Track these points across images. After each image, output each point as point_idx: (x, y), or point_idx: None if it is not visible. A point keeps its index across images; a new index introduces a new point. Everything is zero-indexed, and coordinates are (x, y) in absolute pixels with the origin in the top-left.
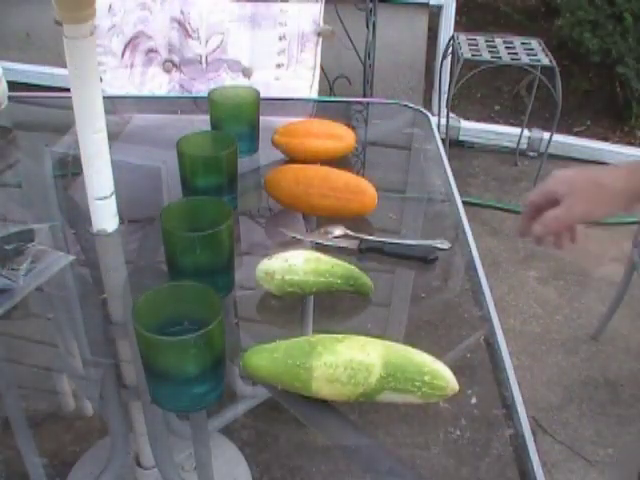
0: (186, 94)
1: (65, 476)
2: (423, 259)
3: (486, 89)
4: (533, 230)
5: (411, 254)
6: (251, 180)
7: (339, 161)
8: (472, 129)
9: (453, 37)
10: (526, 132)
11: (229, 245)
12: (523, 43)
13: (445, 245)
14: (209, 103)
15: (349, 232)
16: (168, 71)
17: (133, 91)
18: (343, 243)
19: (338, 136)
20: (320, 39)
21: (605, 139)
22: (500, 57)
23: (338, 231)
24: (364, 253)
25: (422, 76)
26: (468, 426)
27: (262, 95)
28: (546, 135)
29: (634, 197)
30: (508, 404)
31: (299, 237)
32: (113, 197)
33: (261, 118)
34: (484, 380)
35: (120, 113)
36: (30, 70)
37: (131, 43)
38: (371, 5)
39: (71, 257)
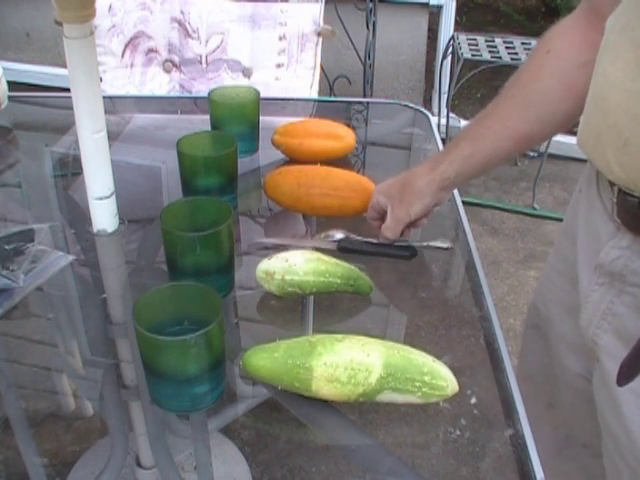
0: (186, 94)
1: (65, 476)
2: (403, 257)
3: (486, 89)
4: (381, 241)
5: (389, 253)
6: (251, 180)
7: (339, 161)
8: None
9: (453, 37)
10: None
11: (229, 245)
12: (523, 43)
13: (446, 244)
14: (209, 103)
15: (352, 235)
16: (168, 71)
17: (133, 91)
18: (322, 244)
19: (338, 136)
20: (320, 39)
21: None
22: (500, 57)
23: (339, 235)
24: (343, 253)
25: (422, 76)
26: (468, 426)
27: (262, 95)
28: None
29: (435, 189)
30: (508, 404)
31: (276, 242)
32: (113, 197)
33: (261, 118)
34: (484, 380)
35: (120, 113)
36: (30, 70)
37: (131, 43)
38: (371, 5)
39: (71, 257)
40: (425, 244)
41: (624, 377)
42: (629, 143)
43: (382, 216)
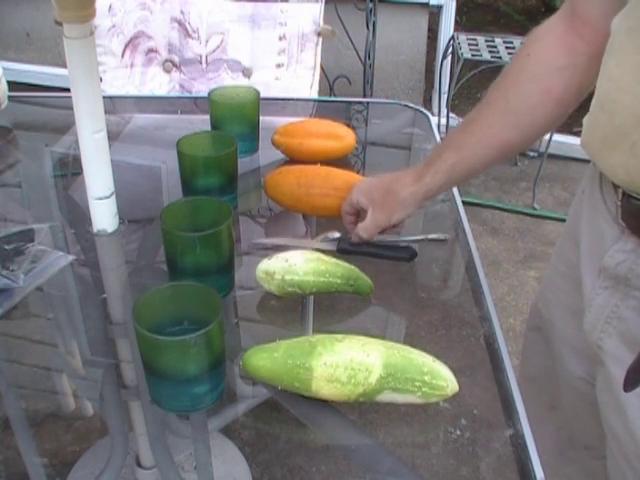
0: (186, 94)
1: (65, 476)
2: (402, 258)
3: (486, 89)
4: (353, 239)
5: (389, 255)
6: (251, 180)
7: (339, 161)
8: None
9: (453, 37)
10: None
11: (229, 245)
12: (523, 43)
13: (443, 236)
14: (209, 103)
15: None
16: (168, 71)
17: (133, 91)
18: (321, 245)
19: (338, 136)
20: (320, 39)
21: None
22: (500, 57)
23: (337, 234)
24: (343, 254)
25: (422, 76)
26: (468, 426)
27: (262, 95)
28: (546, 135)
29: (420, 200)
30: (508, 404)
31: (274, 242)
32: (113, 197)
33: (261, 118)
34: (484, 380)
35: (120, 113)
36: (30, 70)
37: (131, 43)
38: (371, 5)
39: (71, 257)
40: (422, 237)
41: (631, 383)
42: (636, 146)
43: (357, 212)
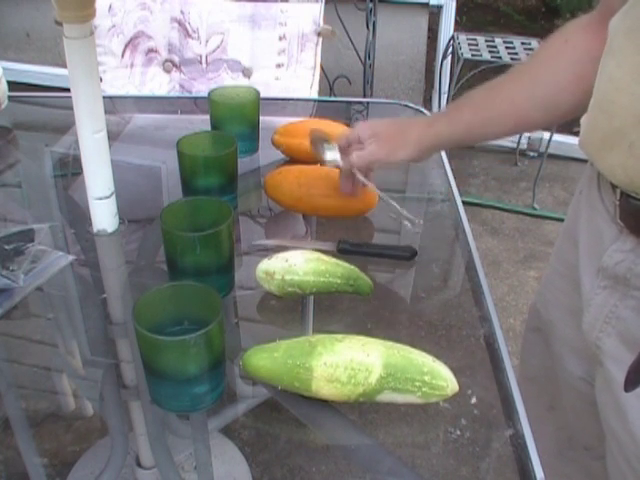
0: (186, 94)
1: (65, 476)
2: (403, 257)
3: None
4: (343, 163)
5: (389, 254)
6: (251, 180)
7: None
8: None
9: (453, 37)
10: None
11: (229, 245)
12: (523, 43)
13: (416, 220)
14: (209, 103)
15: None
16: (168, 71)
17: (133, 91)
18: (321, 245)
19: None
20: (320, 39)
21: None
22: (500, 57)
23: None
24: (343, 254)
25: (422, 76)
26: (468, 426)
27: (262, 95)
28: (546, 135)
29: (425, 145)
30: (508, 404)
31: (270, 244)
32: (113, 197)
33: (261, 118)
34: (484, 380)
35: (120, 113)
36: (30, 70)
37: (131, 43)
38: (371, 5)
39: (71, 257)
40: (399, 208)
41: (631, 383)
42: (634, 146)
43: (350, 146)
